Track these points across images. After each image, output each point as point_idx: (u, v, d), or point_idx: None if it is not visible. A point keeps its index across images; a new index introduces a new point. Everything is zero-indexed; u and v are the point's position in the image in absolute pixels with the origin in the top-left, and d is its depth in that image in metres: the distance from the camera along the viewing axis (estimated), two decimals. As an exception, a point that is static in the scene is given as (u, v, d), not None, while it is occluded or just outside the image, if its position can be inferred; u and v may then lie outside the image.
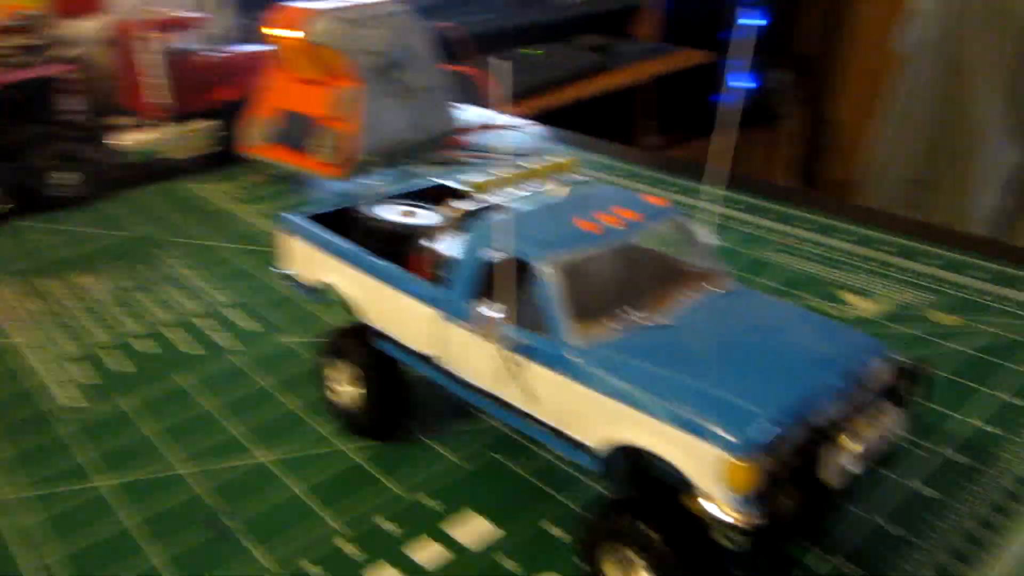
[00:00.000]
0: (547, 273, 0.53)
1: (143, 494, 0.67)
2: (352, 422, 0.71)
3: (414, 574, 0.58)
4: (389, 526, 0.62)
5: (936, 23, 1.83)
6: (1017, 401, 0.73)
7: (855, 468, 0.48)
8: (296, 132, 1.20)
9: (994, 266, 0.97)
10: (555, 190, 0.66)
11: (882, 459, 0.51)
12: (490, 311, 0.53)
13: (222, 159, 1.37)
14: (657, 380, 0.48)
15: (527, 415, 0.55)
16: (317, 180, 1.24)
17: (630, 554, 0.50)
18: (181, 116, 1.33)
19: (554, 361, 0.52)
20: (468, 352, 0.58)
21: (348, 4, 1.19)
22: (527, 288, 0.54)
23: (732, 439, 0.44)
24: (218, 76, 1.34)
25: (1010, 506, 0.62)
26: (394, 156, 1.22)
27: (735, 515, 0.45)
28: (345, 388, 0.71)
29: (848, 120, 2.60)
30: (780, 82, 3.66)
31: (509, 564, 0.59)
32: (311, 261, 0.71)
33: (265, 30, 1.20)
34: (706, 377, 0.48)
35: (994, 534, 0.59)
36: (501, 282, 0.54)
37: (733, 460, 0.44)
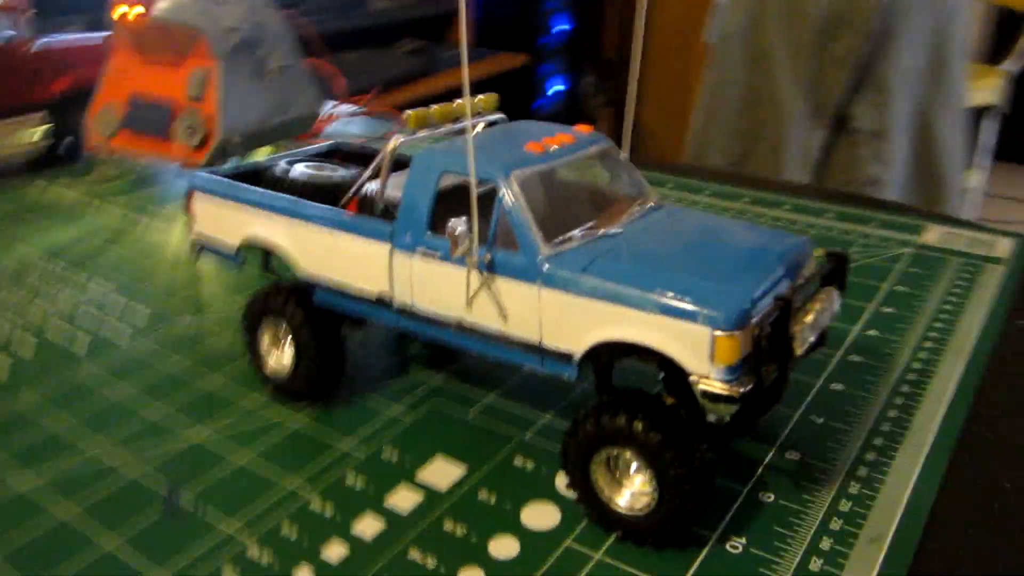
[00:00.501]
0: (514, 188, 0.54)
1: (75, 486, 0.62)
2: (286, 387, 0.69)
3: (395, 520, 0.58)
4: (355, 480, 0.62)
5: (740, 14, 1.99)
6: (886, 308, 0.83)
7: (812, 337, 0.53)
8: (151, 118, 1.13)
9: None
10: (484, 127, 0.67)
11: (824, 333, 0.57)
12: (463, 226, 0.54)
13: (70, 155, 1.27)
14: (633, 276, 0.51)
15: (501, 337, 0.56)
16: (178, 167, 1.18)
17: (626, 453, 0.52)
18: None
19: (531, 273, 0.54)
20: (432, 283, 0.58)
21: (196, -19, 1.14)
22: (488, 211, 0.55)
23: (715, 315, 0.48)
24: (47, 66, 1.24)
25: (908, 390, 0.70)
26: (257, 139, 1.18)
27: (725, 387, 0.48)
28: (277, 352, 0.69)
29: (652, 120, 2.78)
30: (587, 85, 3.86)
31: (483, 495, 0.60)
32: (235, 219, 0.69)
33: (113, 11, 1.13)
34: (674, 269, 0.52)
35: (901, 413, 0.67)
36: (462, 206, 0.55)
37: (719, 334, 0.48)
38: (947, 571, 0.52)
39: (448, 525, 0.57)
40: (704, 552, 0.54)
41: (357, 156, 0.80)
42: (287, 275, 0.68)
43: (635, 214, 0.59)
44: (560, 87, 3.59)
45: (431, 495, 0.60)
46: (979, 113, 2.56)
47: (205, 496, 0.60)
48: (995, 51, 2.76)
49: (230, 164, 0.79)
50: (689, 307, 0.49)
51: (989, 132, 2.67)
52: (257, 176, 0.74)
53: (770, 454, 0.62)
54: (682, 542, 0.54)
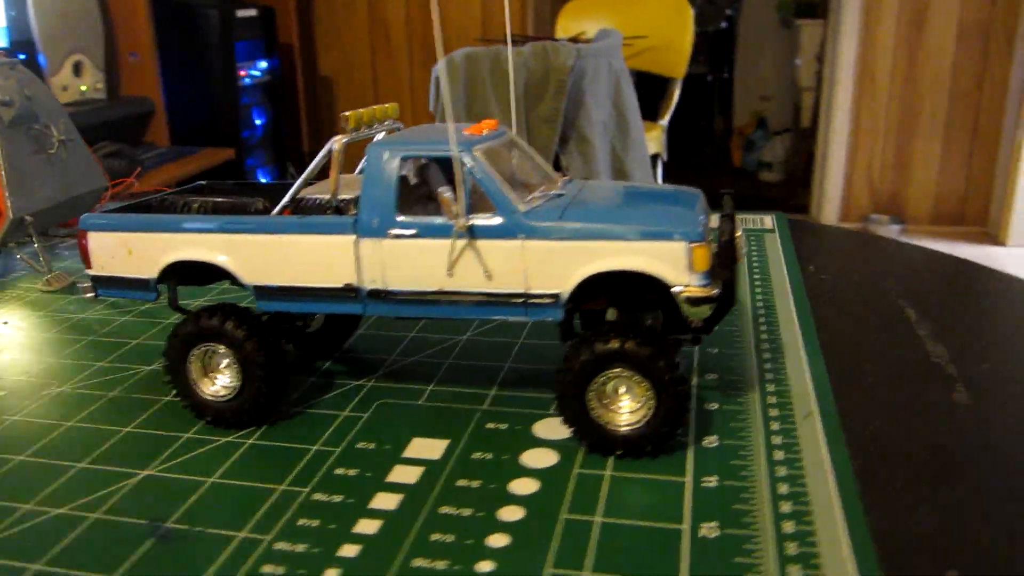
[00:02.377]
0: (481, 159, 0.60)
1: (21, 546, 0.55)
2: (230, 412, 0.66)
3: (408, 489, 0.59)
4: (346, 471, 0.61)
5: (457, 83, 2.18)
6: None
7: (744, 252, 0.64)
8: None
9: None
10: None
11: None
12: (449, 192, 0.58)
13: None
14: (608, 217, 0.60)
15: (485, 295, 0.61)
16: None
17: (624, 373, 0.59)
18: None
19: (512, 230, 0.60)
20: (406, 261, 0.61)
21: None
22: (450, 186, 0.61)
23: (688, 231, 0.58)
24: None
25: (766, 326, 0.84)
26: (49, 216, 1.09)
27: (703, 290, 0.58)
28: (208, 381, 0.67)
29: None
30: (291, 175, 3.89)
31: (478, 455, 0.63)
32: (151, 250, 0.66)
33: None
34: (635, 208, 0.61)
35: (770, 334, 0.81)
36: (434, 180, 0.60)
37: (694, 245, 0.57)
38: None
39: (461, 481, 0.59)
40: (691, 450, 0.62)
41: (231, 191, 0.80)
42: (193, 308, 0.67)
43: (561, 184, 0.68)
44: (264, 180, 3.59)
45: (430, 464, 0.62)
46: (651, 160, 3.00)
47: (193, 515, 0.57)
48: (653, 110, 3.24)
49: (112, 205, 0.75)
50: (666, 229, 0.58)
51: (657, 176, 3.13)
52: (149, 210, 0.72)
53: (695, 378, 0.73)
54: (671, 447, 0.62)
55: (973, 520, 0.54)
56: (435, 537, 0.53)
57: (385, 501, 0.58)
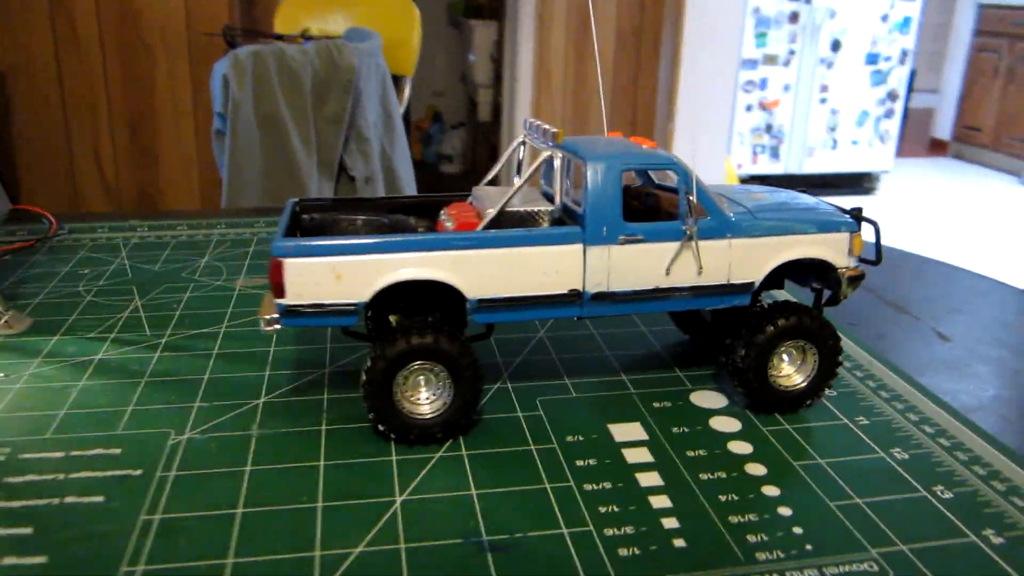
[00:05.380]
0: (694, 173, 0.69)
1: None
2: (433, 429, 0.68)
3: (658, 467, 0.67)
4: (587, 461, 0.67)
5: (246, 84, 2.10)
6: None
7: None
8: None
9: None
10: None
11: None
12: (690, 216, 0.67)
13: None
14: (789, 217, 0.72)
15: (698, 289, 0.70)
16: None
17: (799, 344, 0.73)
18: None
19: (722, 231, 0.70)
20: (631, 264, 0.68)
21: None
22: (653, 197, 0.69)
23: (849, 223, 0.73)
24: None
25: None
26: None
27: (856, 270, 0.73)
28: (416, 396, 0.68)
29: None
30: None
31: (675, 429, 0.72)
32: (367, 272, 0.65)
33: None
34: (797, 211, 0.74)
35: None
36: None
37: (855, 234, 0.73)
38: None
39: (689, 452, 0.69)
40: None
41: (333, 208, 0.78)
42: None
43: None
44: None
45: (646, 443, 0.70)
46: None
47: (503, 524, 0.59)
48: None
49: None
50: (835, 221, 0.72)
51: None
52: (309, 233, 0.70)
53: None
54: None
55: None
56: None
57: (650, 478, 0.65)
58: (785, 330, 0.72)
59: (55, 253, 1.13)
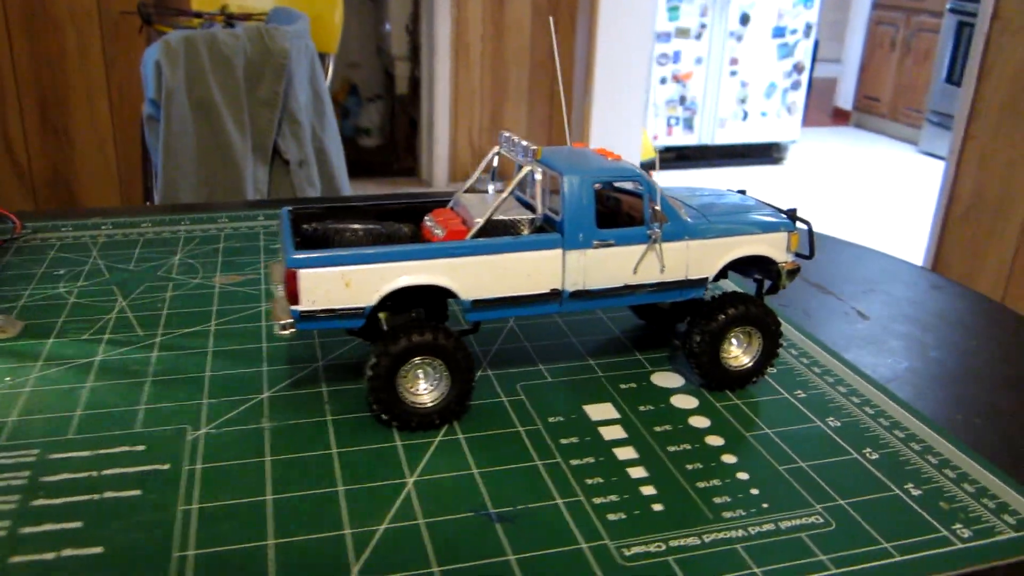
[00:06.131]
0: (656, 183, 0.79)
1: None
2: (432, 416, 0.76)
3: (633, 442, 0.76)
4: (570, 439, 0.76)
5: (178, 70, 2.10)
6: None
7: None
8: None
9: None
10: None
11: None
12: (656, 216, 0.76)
13: None
14: (737, 219, 0.82)
15: (661, 285, 0.80)
16: None
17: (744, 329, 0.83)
18: None
19: (680, 234, 0.79)
20: (603, 265, 0.77)
21: None
22: (616, 202, 0.79)
23: (786, 223, 0.84)
24: None
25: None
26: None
27: (793, 264, 0.84)
28: (415, 387, 0.76)
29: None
30: None
31: (642, 408, 0.82)
32: (373, 279, 0.72)
33: None
34: (743, 212, 0.85)
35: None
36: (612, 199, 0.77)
37: (792, 233, 0.83)
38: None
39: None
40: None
41: (324, 216, 0.85)
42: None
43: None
44: None
45: (618, 421, 0.80)
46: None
47: (508, 497, 0.68)
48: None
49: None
50: (776, 223, 0.83)
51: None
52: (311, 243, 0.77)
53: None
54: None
55: None
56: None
57: (626, 452, 0.75)
58: (734, 318, 0.82)
59: (24, 254, 1.15)
